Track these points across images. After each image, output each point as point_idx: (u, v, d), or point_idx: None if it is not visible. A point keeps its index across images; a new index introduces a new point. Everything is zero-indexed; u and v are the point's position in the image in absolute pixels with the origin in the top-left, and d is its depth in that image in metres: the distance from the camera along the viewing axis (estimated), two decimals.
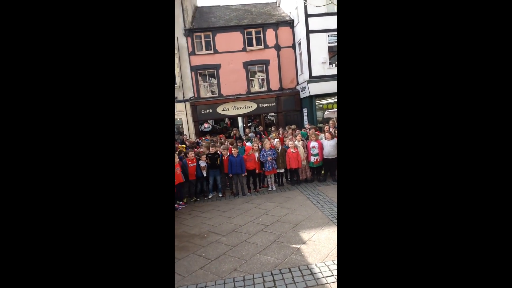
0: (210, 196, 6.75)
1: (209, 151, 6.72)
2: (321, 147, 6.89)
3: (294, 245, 3.83)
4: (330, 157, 6.77)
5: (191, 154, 6.53)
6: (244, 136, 10.62)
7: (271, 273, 3.19)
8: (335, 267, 3.18)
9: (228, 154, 6.65)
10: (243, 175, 6.67)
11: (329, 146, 6.72)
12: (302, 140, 7.20)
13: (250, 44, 13.66)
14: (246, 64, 13.65)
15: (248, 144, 8.11)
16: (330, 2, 5.16)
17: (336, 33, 12.26)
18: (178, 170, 6.01)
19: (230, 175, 6.63)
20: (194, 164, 6.50)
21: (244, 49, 13.56)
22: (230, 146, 6.91)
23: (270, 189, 6.89)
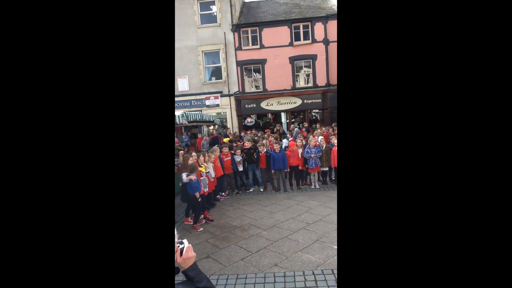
0: (251, 190, 6.80)
1: (244, 146, 6.75)
2: None
3: (337, 247, 3.66)
4: None
5: (225, 149, 6.61)
6: (288, 132, 10.49)
7: (313, 272, 3.09)
8: None
9: (265, 149, 6.61)
10: (286, 170, 6.59)
11: None
12: None
13: (297, 39, 13.39)
14: (292, 59, 13.43)
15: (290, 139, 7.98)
16: None
17: None
18: (218, 163, 6.14)
19: (272, 171, 6.59)
20: (229, 158, 6.58)
21: (291, 44, 13.34)
22: (269, 141, 6.86)
23: (313, 187, 6.71)
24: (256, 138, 7.68)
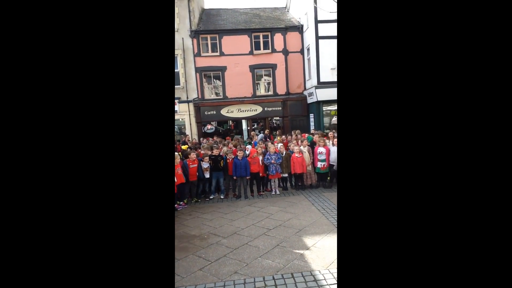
0: (211, 197, 6.63)
1: (212, 152, 6.62)
2: (328, 153, 6.76)
3: (297, 251, 3.68)
4: (335, 164, 6.64)
5: (193, 155, 6.42)
6: (247, 140, 10.52)
7: (273, 278, 3.05)
8: None
9: (233, 156, 6.55)
10: (247, 177, 6.55)
11: (335, 152, 6.59)
12: (308, 145, 7.09)
13: (258, 48, 13.63)
14: (253, 68, 13.61)
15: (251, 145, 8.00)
16: None
17: None
18: (179, 170, 5.90)
19: (235, 178, 6.51)
20: (196, 165, 6.39)
21: (251, 53, 13.53)
22: (235, 149, 6.81)
23: (273, 193, 6.75)
24: (215, 145, 7.54)
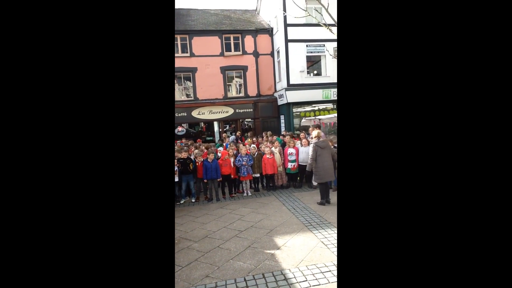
0: (182, 202, 6.52)
1: (181, 155, 6.51)
2: (297, 153, 6.93)
3: (268, 251, 3.75)
4: (304, 164, 6.82)
5: None
6: (218, 141, 10.48)
7: (244, 279, 3.08)
8: (309, 272, 3.14)
9: (202, 159, 6.49)
10: (218, 180, 6.53)
11: (305, 152, 6.77)
12: (279, 146, 7.22)
13: (228, 50, 13.63)
14: (224, 69, 13.58)
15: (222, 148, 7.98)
16: (308, 14, 5.31)
17: (315, 43, 12.60)
18: None
19: (205, 180, 6.45)
20: None
21: (222, 54, 13.50)
22: (206, 151, 6.75)
23: (245, 194, 6.79)
24: (185, 147, 7.43)
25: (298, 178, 7.28)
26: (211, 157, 6.43)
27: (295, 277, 3.05)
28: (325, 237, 4.04)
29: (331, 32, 5.28)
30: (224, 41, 13.52)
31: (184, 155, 6.52)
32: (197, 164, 6.54)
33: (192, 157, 6.71)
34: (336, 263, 3.30)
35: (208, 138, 13.87)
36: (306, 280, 2.98)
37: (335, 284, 2.89)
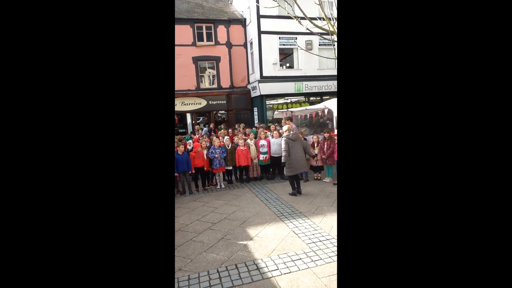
0: None
1: None
2: (269, 145, 7.03)
3: (241, 242, 3.82)
4: (276, 155, 6.94)
5: None
6: (189, 134, 10.32)
7: (217, 271, 3.13)
8: (281, 261, 3.25)
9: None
10: (190, 172, 6.46)
11: (276, 144, 6.88)
12: (253, 138, 7.26)
13: (201, 39, 13.32)
14: (196, 59, 13.28)
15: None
16: (278, 5, 5.33)
17: (288, 35, 12.67)
18: None
19: (176, 174, 6.36)
20: None
21: (194, 44, 13.16)
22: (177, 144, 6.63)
23: (218, 187, 6.80)
24: None
25: (271, 170, 7.40)
26: (181, 149, 6.33)
27: (267, 266, 3.15)
28: (296, 227, 4.19)
29: (301, 24, 5.35)
30: (196, 31, 13.18)
31: None
32: None
33: None
34: (306, 251, 3.45)
35: (180, 131, 13.58)
36: (278, 269, 3.08)
37: (305, 271, 3.02)
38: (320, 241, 3.69)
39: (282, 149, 5.69)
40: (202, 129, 10.94)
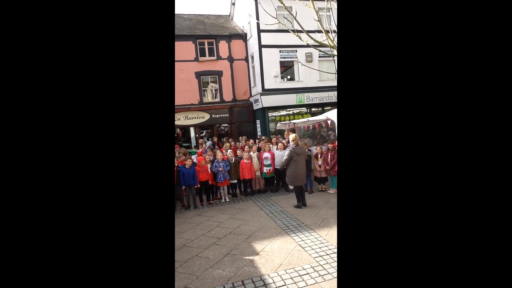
0: None
1: None
2: (273, 157, 7.03)
3: (247, 257, 3.78)
4: (280, 167, 6.93)
5: None
6: (193, 148, 10.37)
7: (224, 287, 3.09)
8: (288, 276, 3.20)
9: (178, 165, 6.40)
10: (196, 186, 6.46)
11: (280, 156, 6.88)
12: (256, 151, 7.29)
13: (203, 55, 13.58)
14: (199, 74, 13.50)
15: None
16: (278, 22, 5.46)
17: (288, 48, 12.87)
18: None
19: (183, 187, 6.36)
20: None
21: (196, 59, 13.41)
22: (183, 157, 6.66)
23: (223, 200, 6.77)
24: None
25: (275, 182, 7.38)
26: (188, 163, 6.36)
27: (274, 282, 3.10)
28: (303, 240, 4.14)
29: (300, 39, 5.46)
30: (198, 46, 13.45)
31: None
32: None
33: None
34: (313, 265, 3.40)
35: (184, 144, 13.66)
36: (285, 285, 3.04)
37: (313, 286, 2.97)
38: (327, 254, 3.64)
39: (283, 159, 5.70)
40: (205, 143, 11.00)
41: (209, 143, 10.91)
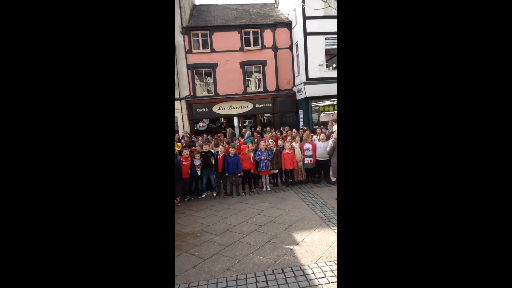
0: (203, 196, 6.73)
1: (203, 149, 6.69)
2: (314, 148, 6.92)
3: (287, 246, 3.83)
4: (322, 159, 6.80)
5: (186, 152, 6.50)
6: (238, 138, 10.62)
7: (264, 273, 3.19)
8: (328, 268, 3.19)
9: (224, 153, 6.63)
10: (239, 175, 6.66)
11: (322, 147, 6.74)
12: (299, 141, 7.24)
13: (248, 44, 13.66)
14: (243, 64, 13.64)
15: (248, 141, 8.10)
16: (328, 5, 5.20)
17: (334, 36, 12.34)
18: None
19: (227, 175, 6.60)
20: (189, 162, 6.47)
21: (241, 49, 13.55)
22: (228, 146, 6.89)
23: (264, 189, 6.90)
24: (207, 142, 7.60)
25: (317, 175, 7.28)
26: (232, 151, 6.56)
27: (313, 273, 3.12)
28: None
29: None
30: (243, 36, 13.55)
31: (206, 148, 6.69)
32: (218, 157, 6.70)
33: (214, 151, 6.87)
34: None
35: (229, 128, 14.03)
36: (325, 277, 3.04)
37: None
38: None
39: (328, 147, 5.56)
40: (247, 131, 11.19)
41: (248, 133, 11.08)
